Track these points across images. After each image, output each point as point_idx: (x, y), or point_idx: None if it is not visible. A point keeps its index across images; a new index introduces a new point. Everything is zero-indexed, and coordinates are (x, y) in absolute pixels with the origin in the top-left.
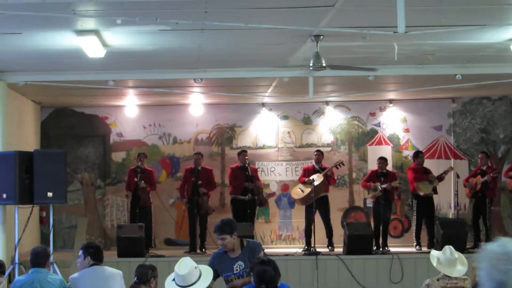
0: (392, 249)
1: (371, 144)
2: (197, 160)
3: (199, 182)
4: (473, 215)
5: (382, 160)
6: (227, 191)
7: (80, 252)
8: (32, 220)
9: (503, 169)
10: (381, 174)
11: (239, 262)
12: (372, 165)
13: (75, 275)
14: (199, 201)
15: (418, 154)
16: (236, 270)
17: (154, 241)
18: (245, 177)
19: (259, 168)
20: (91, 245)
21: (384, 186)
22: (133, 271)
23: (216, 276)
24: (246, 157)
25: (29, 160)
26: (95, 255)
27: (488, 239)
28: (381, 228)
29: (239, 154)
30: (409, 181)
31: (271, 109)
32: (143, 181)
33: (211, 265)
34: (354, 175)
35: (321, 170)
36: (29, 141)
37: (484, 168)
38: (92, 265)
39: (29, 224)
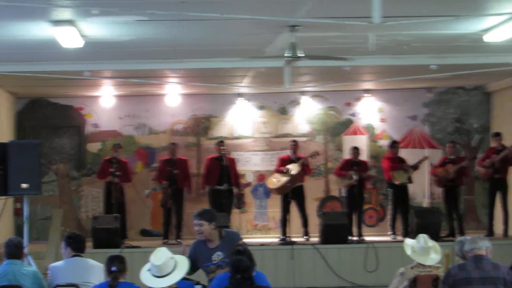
0: (367, 238)
1: (347, 134)
2: (172, 150)
3: (175, 171)
4: (446, 204)
5: (355, 149)
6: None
7: (63, 243)
8: (7, 211)
9: (477, 159)
10: (354, 163)
11: (218, 252)
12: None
13: (55, 264)
14: (163, 192)
15: (393, 144)
16: (215, 260)
17: (128, 232)
18: (220, 167)
19: (235, 158)
20: (71, 236)
21: (356, 177)
22: None
23: (195, 268)
24: (222, 147)
25: (3, 151)
26: (75, 245)
27: (461, 227)
28: (355, 217)
29: (216, 144)
30: (384, 170)
31: (247, 100)
32: (116, 178)
33: (191, 252)
34: (329, 164)
35: (296, 160)
36: (4, 132)
37: (453, 157)
38: (73, 256)
39: (3, 216)
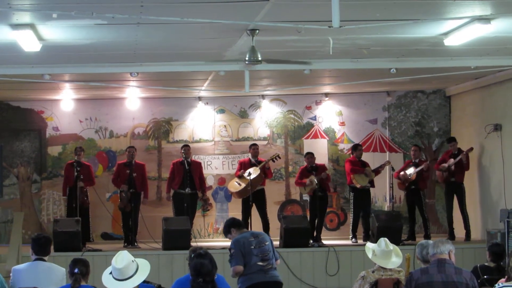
0: (328, 242)
1: (307, 138)
2: (130, 154)
3: (134, 174)
4: (408, 207)
5: (309, 155)
6: (164, 185)
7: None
8: None
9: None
10: (311, 169)
11: None
12: None
13: (17, 266)
14: (121, 195)
15: (356, 147)
16: None
17: (92, 235)
18: (183, 171)
19: (201, 162)
20: (34, 238)
21: (317, 177)
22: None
23: None
24: (183, 152)
25: None
26: (36, 248)
27: (427, 230)
28: (316, 221)
29: (180, 148)
30: (346, 173)
31: (207, 103)
32: (81, 181)
33: None
34: (290, 168)
35: (257, 163)
36: None
37: (417, 161)
38: (36, 259)
39: None
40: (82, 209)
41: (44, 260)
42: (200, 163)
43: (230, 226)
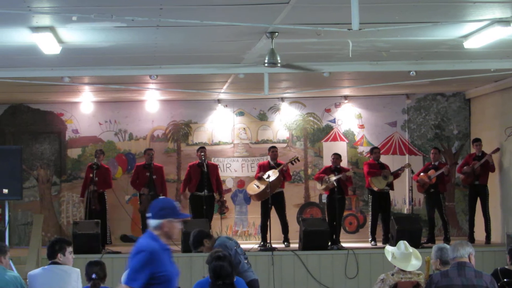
0: (347, 245)
1: (327, 140)
2: (150, 156)
3: (154, 177)
4: (428, 210)
5: (336, 156)
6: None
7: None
8: None
9: (457, 165)
10: (335, 170)
11: None
12: (328, 161)
13: (33, 272)
14: (142, 198)
15: (373, 150)
16: None
17: (110, 237)
18: (201, 174)
19: (218, 164)
20: (49, 242)
21: (336, 177)
22: None
23: None
24: (202, 154)
25: None
26: (47, 253)
27: (447, 233)
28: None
29: (197, 151)
30: (365, 176)
31: (226, 106)
32: (93, 185)
33: None
34: (309, 171)
35: (276, 166)
36: None
37: (436, 163)
38: (50, 263)
39: None
40: (97, 211)
41: (58, 263)
42: (217, 166)
43: (203, 237)
